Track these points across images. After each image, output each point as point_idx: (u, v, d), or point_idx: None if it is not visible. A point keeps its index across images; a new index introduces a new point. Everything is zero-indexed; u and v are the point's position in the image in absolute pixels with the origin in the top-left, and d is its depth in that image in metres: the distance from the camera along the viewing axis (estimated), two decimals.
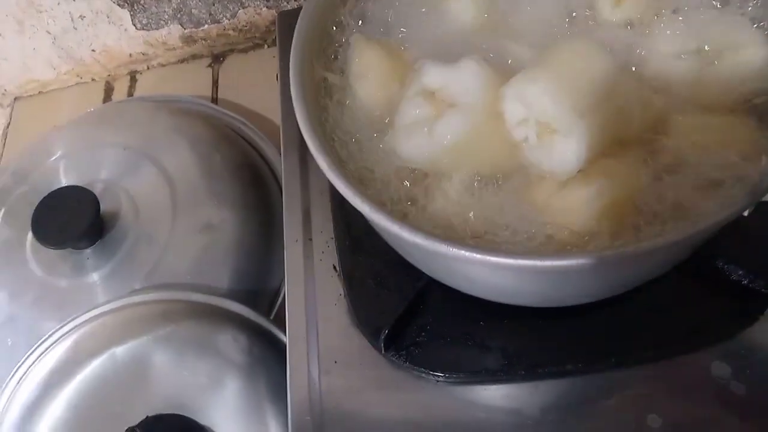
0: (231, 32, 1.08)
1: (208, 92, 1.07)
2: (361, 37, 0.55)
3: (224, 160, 0.87)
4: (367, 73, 0.53)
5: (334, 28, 0.57)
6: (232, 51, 1.11)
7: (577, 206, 0.45)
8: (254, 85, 1.05)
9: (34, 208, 0.76)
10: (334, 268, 0.66)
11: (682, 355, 0.58)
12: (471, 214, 0.47)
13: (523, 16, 0.57)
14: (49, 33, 1.03)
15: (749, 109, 0.50)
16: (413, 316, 0.61)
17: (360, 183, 0.48)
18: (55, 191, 0.79)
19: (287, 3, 1.03)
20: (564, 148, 0.44)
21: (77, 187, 0.80)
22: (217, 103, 1.05)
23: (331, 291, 0.65)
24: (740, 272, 0.58)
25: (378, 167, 0.49)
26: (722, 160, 0.48)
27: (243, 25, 1.07)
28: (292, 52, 0.50)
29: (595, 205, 0.45)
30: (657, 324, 0.58)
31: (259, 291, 0.82)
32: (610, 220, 0.45)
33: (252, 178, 0.89)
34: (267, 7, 1.04)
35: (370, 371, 0.61)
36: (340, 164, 0.46)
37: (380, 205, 0.46)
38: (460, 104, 0.47)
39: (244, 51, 1.10)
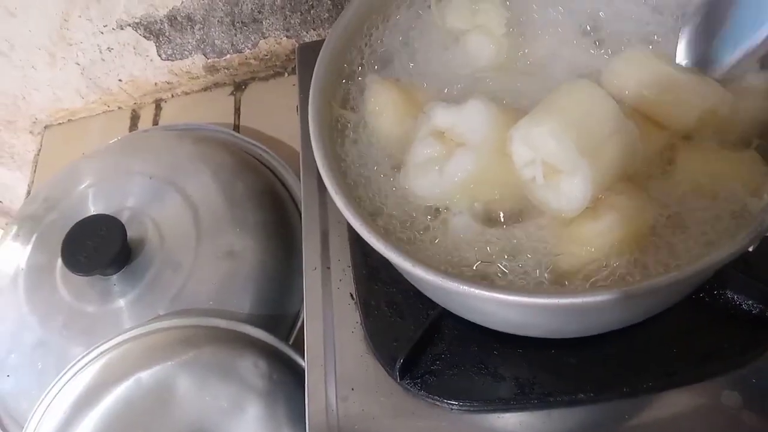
0: (252, 61, 1.11)
1: (231, 119, 1.10)
2: (376, 77, 0.57)
3: (246, 187, 0.90)
4: (382, 111, 0.56)
5: (351, 68, 0.60)
6: (253, 79, 1.14)
7: (587, 241, 0.47)
8: (275, 112, 1.08)
9: (64, 235, 0.79)
10: (351, 296, 0.68)
11: (692, 384, 0.58)
12: (483, 248, 0.48)
13: (538, 53, 0.59)
14: (78, 64, 1.07)
15: (756, 142, 0.52)
16: (428, 345, 0.63)
17: (375, 219, 0.50)
18: (84, 219, 0.82)
19: (306, 33, 1.06)
20: (570, 187, 0.46)
21: (105, 215, 0.83)
22: (239, 130, 1.08)
23: (349, 319, 0.67)
24: (750, 302, 0.59)
25: (392, 203, 0.51)
26: (728, 195, 0.49)
27: (264, 54, 1.10)
28: (310, 95, 0.53)
29: (604, 240, 0.46)
30: (667, 353, 0.59)
31: (279, 316, 0.84)
32: (618, 255, 0.46)
33: (273, 204, 0.91)
34: (287, 37, 1.07)
35: (386, 398, 0.62)
36: (356, 202, 0.48)
37: (396, 241, 0.48)
38: (469, 143, 0.49)
39: (265, 79, 1.13)
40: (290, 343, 0.80)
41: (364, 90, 0.58)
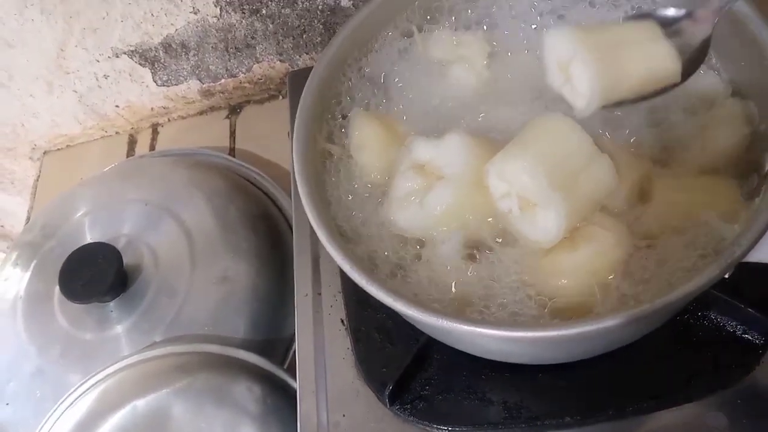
0: (247, 85, 1.12)
1: (226, 142, 1.11)
2: (360, 111, 0.59)
3: (239, 212, 0.91)
4: (365, 145, 0.57)
5: (336, 101, 0.61)
6: (248, 102, 1.15)
7: (563, 272, 0.48)
8: (270, 135, 1.09)
9: (62, 264, 0.80)
10: (342, 322, 0.69)
11: (677, 405, 0.59)
12: (464, 279, 0.49)
13: (518, 83, 0.60)
14: (76, 92, 1.09)
15: (730, 169, 0.53)
16: (417, 370, 0.64)
17: (358, 251, 0.51)
18: (81, 248, 0.83)
19: (299, 57, 1.07)
20: (545, 220, 0.47)
21: (101, 243, 0.84)
22: (234, 153, 1.09)
23: (340, 345, 0.68)
24: (734, 323, 0.60)
25: (376, 235, 0.52)
26: (704, 223, 0.50)
27: (258, 78, 1.11)
28: (295, 131, 0.54)
29: (580, 271, 0.47)
30: (652, 375, 0.60)
31: (273, 339, 0.85)
32: (595, 285, 0.47)
33: (266, 228, 0.92)
34: (280, 61, 1.08)
35: (377, 423, 0.63)
36: (339, 235, 0.49)
37: (379, 273, 0.49)
38: (448, 176, 0.51)
39: (260, 102, 1.15)
40: (285, 367, 0.81)
41: (348, 123, 0.59)
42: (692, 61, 0.52)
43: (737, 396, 0.59)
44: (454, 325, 0.42)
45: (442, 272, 0.50)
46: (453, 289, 0.49)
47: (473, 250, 0.51)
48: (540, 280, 0.49)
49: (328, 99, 0.61)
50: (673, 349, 0.60)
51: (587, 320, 0.41)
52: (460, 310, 0.48)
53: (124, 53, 1.04)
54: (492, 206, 0.50)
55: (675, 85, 0.52)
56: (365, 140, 0.57)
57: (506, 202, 0.49)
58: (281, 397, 0.76)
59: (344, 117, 0.61)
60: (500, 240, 0.51)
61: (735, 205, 0.50)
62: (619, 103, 0.51)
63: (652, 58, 0.51)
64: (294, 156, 0.53)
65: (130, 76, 1.08)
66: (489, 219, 0.51)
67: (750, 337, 0.59)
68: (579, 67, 0.49)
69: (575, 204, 0.47)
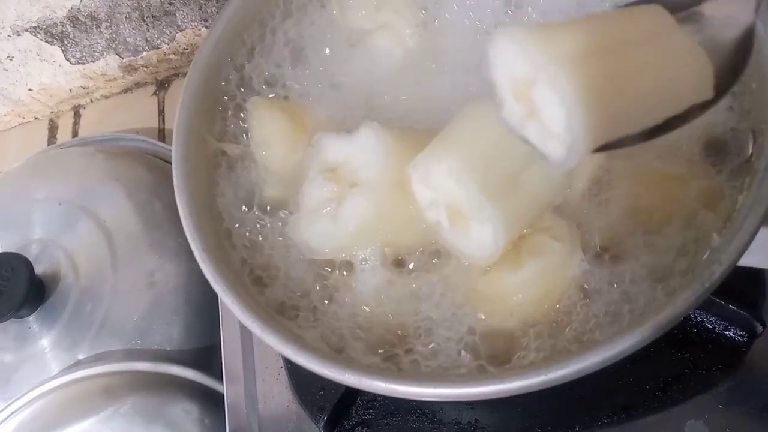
0: (172, 56, 1.01)
1: (155, 122, 1.01)
2: (259, 100, 0.48)
3: (165, 206, 0.82)
4: (267, 143, 0.47)
5: (229, 89, 0.50)
6: (176, 76, 1.04)
7: (506, 296, 0.39)
8: None
9: None
10: None
11: (652, 415, 0.52)
12: (389, 309, 0.41)
13: (450, 56, 0.50)
14: None
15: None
16: (358, 392, 0.56)
17: (262, 282, 0.42)
18: None
19: None
20: (480, 234, 0.38)
21: (7, 253, 0.75)
22: (164, 134, 0.99)
23: (272, 363, 0.60)
24: (713, 319, 0.52)
25: (282, 258, 0.43)
26: (679, 219, 0.41)
27: (184, 48, 1.00)
28: (174, 133, 0.44)
29: (526, 294, 0.39)
30: (623, 384, 0.53)
31: (209, 348, 0.76)
32: (543, 309, 0.39)
33: None
34: (206, 27, 0.97)
35: None
36: (234, 267, 0.40)
37: (289, 309, 0.40)
38: (363, 181, 0.41)
39: None
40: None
41: (246, 115, 0.49)
42: (727, 68, 0.34)
43: (718, 400, 0.52)
44: (368, 383, 0.34)
45: (360, 303, 0.41)
46: (375, 324, 0.40)
47: (398, 272, 0.42)
48: (477, 303, 0.40)
49: (219, 85, 0.50)
50: (645, 353, 0.52)
51: (528, 372, 0.33)
52: (387, 348, 0.39)
53: (26, 30, 0.92)
54: (419, 216, 0.41)
55: (704, 107, 0.34)
56: (266, 138, 0.47)
57: (434, 212, 0.39)
58: (221, 415, 0.69)
59: (242, 106, 0.50)
60: (430, 258, 0.42)
61: (713, 191, 0.41)
62: (619, 143, 0.33)
63: (669, 64, 0.33)
64: (174, 166, 0.43)
65: (38, 55, 0.96)
66: (416, 233, 0.42)
67: (731, 335, 0.52)
68: (547, 92, 0.31)
69: (517, 213, 0.38)
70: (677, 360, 0.53)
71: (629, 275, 0.39)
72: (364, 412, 0.56)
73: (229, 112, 0.50)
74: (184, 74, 1.02)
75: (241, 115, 0.50)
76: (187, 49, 1.00)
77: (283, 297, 0.43)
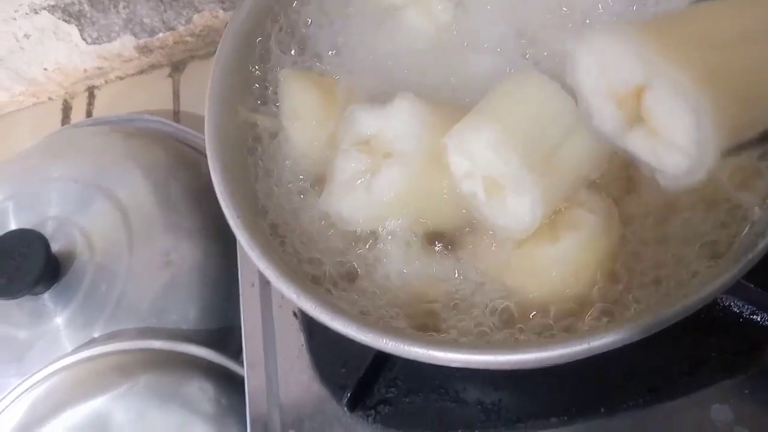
0: (189, 38, 1.01)
1: (170, 104, 1.01)
2: (290, 72, 0.48)
3: (181, 186, 0.81)
4: (297, 115, 0.46)
5: (262, 60, 0.50)
6: (192, 58, 1.04)
7: (542, 270, 0.39)
8: None
9: None
10: (295, 314, 0.61)
11: (678, 398, 0.51)
12: (422, 282, 0.40)
13: (485, 31, 0.50)
14: None
15: None
16: (380, 370, 0.55)
17: (296, 254, 0.42)
18: (1, 237, 0.73)
19: None
20: (517, 206, 0.37)
21: (24, 230, 0.74)
22: (179, 117, 0.98)
23: (293, 341, 0.60)
24: (740, 303, 0.52)
25: (316, 233, 0.43)
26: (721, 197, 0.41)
27: (200, 30, 1.00)
28: (207, 106, 0.44)
29: (563, 269, 0.38)
30: (649, 366, 0.52)
31: (226, 328, 0.76)
32: (580, 284, 0.38)
33: (212, 203, 0.82)
34: (223, 9, 0.97)
35: (338, 431, 0.55)
36: (270, 238, 0.40)
37: (320, 293, 0.40)
38: (397, 153, 0.41)
39: (205, 57, 1.03)
40: (240, 360, 0.73)
41: (278, 87, 0.48)
42: None
43: (744, 385, 0.51)
44: (407, 349, 0.34)
45: (394, 275, 0.41)
46: (407, 295, 0.40)
47: (432, 244, 0.42)
48: (513, 281, 0.39)
49: (250, 56, 0.49)
50: (672, 336, 0.52)
51: (573, 339, 0.32)
52: (420, 322, 0.39)
53: (44, 9, 0.92)
54: (454, 188, 0.40)
55: None
56: (297, 110, 0.46)
57: (470, 183, 0.39)
58: (237, 395, 0.68)
59: (273, 78, 0.49)
60: (464, 230, 0.42)
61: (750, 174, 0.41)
62: (742, 147, 0.30)
63: None
64: (207, 137, 0.43)
65: (55, 34, 0.96)
66: (451, 205, 0.41)
67: (759, 319, 0.51)
68: (666, 98, 0.28)
69: (555, 186, 0.37)
70: (703, 344, 0.53)
71: (668, 244, 0.39)
72: (386, 391, 0.55)
73: (260, 84, 0.49)
74: (200, 57, 1.02)
75: (272, 87, 0.49)
76: (203, 31, 1.00)
77: (312, 268, 0.42)
